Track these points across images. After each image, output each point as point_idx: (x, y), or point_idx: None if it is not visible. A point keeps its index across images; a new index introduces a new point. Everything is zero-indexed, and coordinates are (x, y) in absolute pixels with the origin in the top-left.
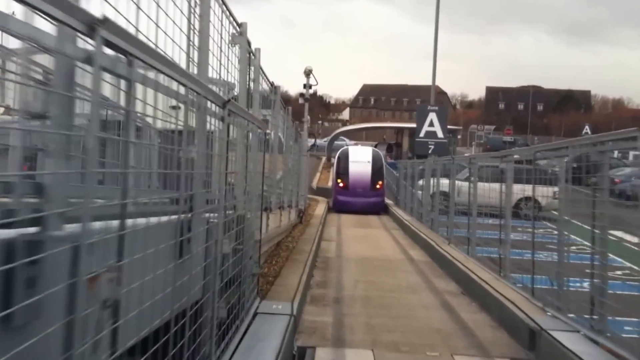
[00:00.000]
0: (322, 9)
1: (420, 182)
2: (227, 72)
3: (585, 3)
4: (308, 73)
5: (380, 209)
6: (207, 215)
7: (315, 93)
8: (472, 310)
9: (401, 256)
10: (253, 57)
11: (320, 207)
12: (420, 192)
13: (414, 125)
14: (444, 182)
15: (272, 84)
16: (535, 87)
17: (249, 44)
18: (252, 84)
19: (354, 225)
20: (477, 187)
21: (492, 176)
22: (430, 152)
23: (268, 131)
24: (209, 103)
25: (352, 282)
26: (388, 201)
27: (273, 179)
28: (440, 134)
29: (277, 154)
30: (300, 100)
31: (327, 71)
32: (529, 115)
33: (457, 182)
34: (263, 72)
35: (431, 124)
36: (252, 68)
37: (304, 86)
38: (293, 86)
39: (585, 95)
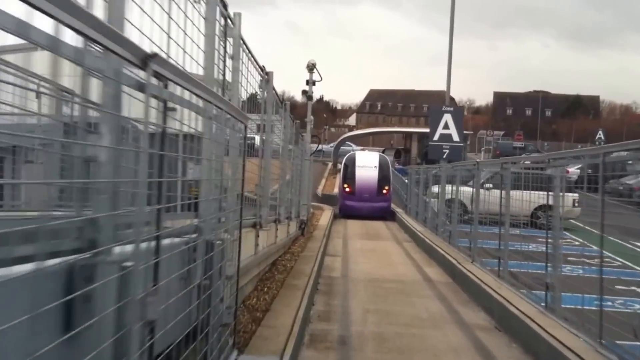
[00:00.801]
0: (328, 15)
1: (435, 188)
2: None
3: (591, 8)
4: (311, 68)
5: (386, 214)
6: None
7: (321, 98)
8: (515, 356)
9: (417, 276)
10: (231, 25)
11: (325, 216)
12: (434, 200)
13: (423, 129)
14: (462, 190)
15: (262, 69)
16: (543, 92)
17: (224, 5)
18: (229, 62)
19: (362, 237)
20: (509, 195)
21: (520, 183)
22: (444, 156)
23: (252, 132)
24: (117, 58)
25: (361, 313)
26: (397, 209)
27: (266, 187)
28: (455, 137)
29: (272, 158)
30: (303, 99)
31: (333, 77)
32: (538, 120)
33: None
34: (247, 48)
35: (446, 127)
36: (231, 41)
37: (307, 82)
38: (299, 92)
39: (593, 101)
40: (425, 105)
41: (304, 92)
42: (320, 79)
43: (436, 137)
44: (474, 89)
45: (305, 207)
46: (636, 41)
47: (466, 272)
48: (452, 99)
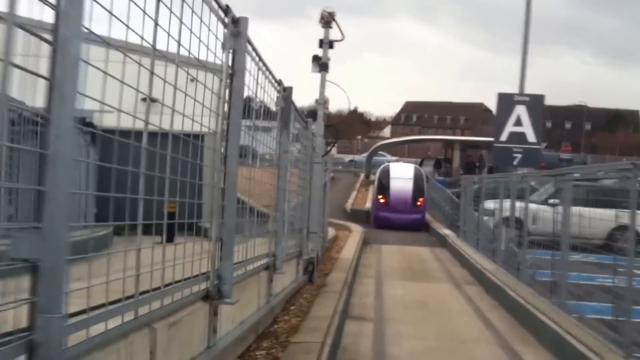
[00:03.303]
0: (364, 29)
1: (489, 204)
2: None
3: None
4: (328, 20)
5: (420, 226)
6: None
7: (355, 109)
8: None
9: None
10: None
11: (352, 242)
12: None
13: (466, 137)
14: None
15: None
16: (583, 106)
17: None
18: None
19: (404, 275)
20: None
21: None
22: (515, 162)
23: None
24: None
25: None
26: (444, 229)
27: (229, 224)
28: (531, 137)
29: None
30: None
31: (368, 89)
32: (582, 133)
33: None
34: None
35: (518, 123)
36: None
37: (320, 43)
38: (332, 103)
39: (633, 115)
40: (463, 117)
41: (316, 59)
42: (341, 37)
43: (504, 137)
44: None
45: (317, 237)
46: None
47: None
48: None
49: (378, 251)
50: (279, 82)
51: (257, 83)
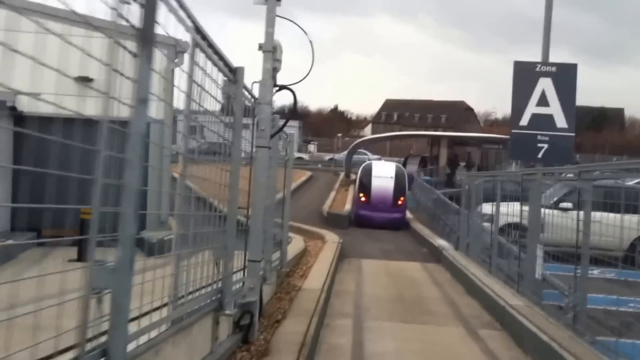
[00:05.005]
0: (342, 28)
1: (546, 213)
2: None
3: (607, 26)
4: None
5: (401, 225)
6: None
7: (335, 107)
8: None
9: None
10: None
11: (324, 259)
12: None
13: (454, 133)
14: None
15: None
16: None
17: None
18: None
19: (393, 312)
20: None
21: None
22: (540, 155)
23: None
24: None
25: None
26: (441, 242)
27: None
28: (561, 121)
29: None
30: (316, 107)
31: (348, 88)
32: None
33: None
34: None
35: (542, 101)
36: None
37: None
38: (313, 102)
39: (619, 114)
40: (444, 115)
41: None
42: None
43: (524, 122)
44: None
45: (258, 269)
46: None
47: None
48: (471, 110)
49: (358, 269)
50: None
51: None
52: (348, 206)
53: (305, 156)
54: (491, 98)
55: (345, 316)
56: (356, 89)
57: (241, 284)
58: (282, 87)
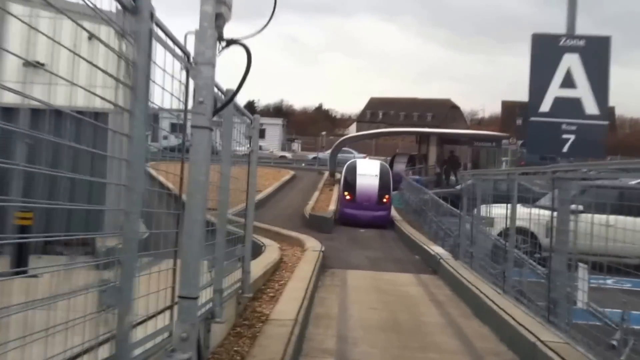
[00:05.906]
0: (326, 29)
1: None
2: None
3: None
4: None
5: (386, 223)
6: None
7: (320, 106)
8: None
9: None
10: None
11: (302, 273)
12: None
13: (444, 130)
14: None
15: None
16: None
17: None
18: None
19: (387, 347)
20: None
21: None
22: (565, 149)
23: None
24: None
25: None
26: (437, 249)
27: None
28: (592, 107)
29: None
30: (301, 106)
31: (332, 87)
32: None
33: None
34: None
35: (568, 82)
36: None
37: None
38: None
39: (609, 112)
40: (430, 113)
41: None
42: None
43: (545, 107)
44: (479, 102)
45: (194, 308)
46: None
47: None
48: (457, 108)
49: (342, 284)
50: None
51: None
52: (332, 207)
53: (288, 155)
54: (477, 97)
55: (325, 355)
56: (341, 88)
57: (166, 334)
58: (230, 42)
